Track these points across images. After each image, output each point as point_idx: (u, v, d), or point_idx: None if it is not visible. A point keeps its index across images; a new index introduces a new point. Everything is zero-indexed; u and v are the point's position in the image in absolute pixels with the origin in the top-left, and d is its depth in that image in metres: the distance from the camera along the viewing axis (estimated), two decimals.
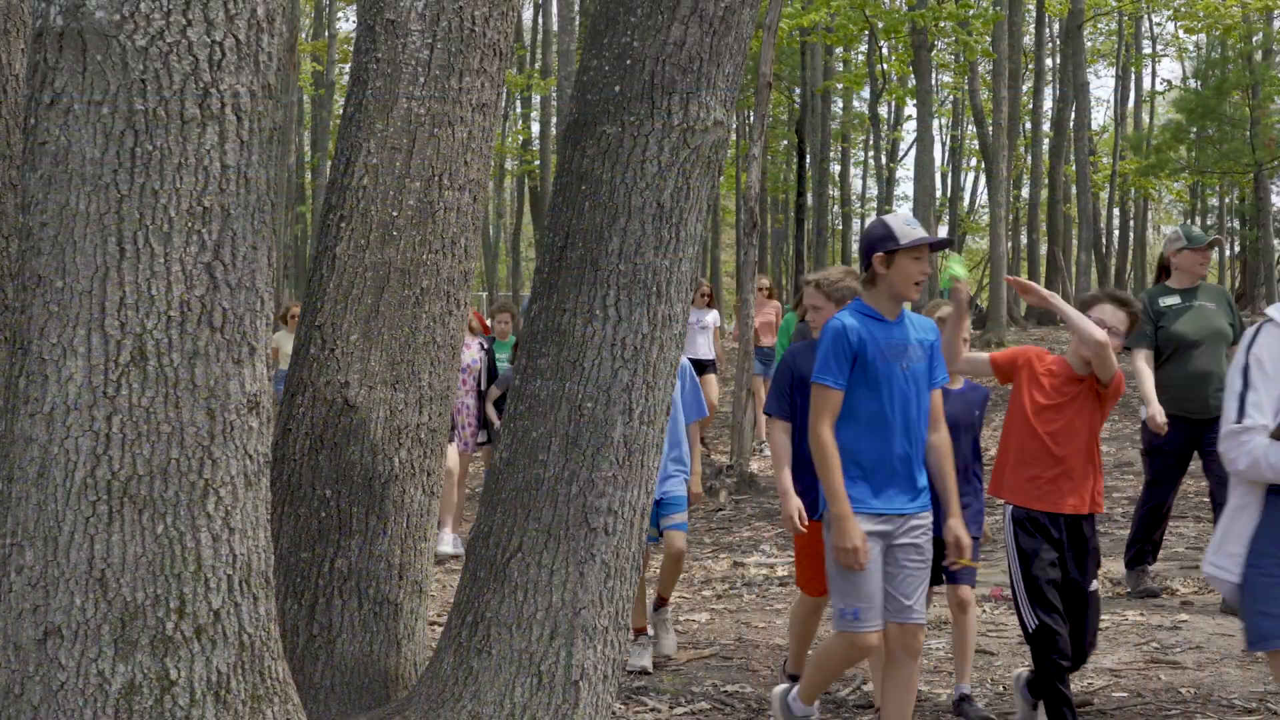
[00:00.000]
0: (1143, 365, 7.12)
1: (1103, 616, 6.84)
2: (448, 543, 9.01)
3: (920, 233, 4.52)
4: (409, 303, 4.34)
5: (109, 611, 3.04)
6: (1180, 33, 35.83)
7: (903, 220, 4.58)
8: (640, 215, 3.61)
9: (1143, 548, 7.46)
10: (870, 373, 4.47)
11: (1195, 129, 30.06)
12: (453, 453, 9.19)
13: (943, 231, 38.39)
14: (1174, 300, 7.24)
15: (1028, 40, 33.00)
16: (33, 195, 3.11)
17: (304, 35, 30.36)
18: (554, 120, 32.80)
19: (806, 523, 5.29)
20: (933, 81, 28.25)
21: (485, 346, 9.66)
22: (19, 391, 3.11)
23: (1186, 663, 6.07)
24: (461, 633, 3.60)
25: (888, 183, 40.81)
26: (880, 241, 4.52)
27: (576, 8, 25.24)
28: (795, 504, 5.30)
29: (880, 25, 23.26)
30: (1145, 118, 42.79)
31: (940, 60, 35.52)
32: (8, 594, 3.09)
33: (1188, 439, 7.21)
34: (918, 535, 4.56)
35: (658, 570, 6.58)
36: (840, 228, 43.42)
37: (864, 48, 32.80)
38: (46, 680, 3.04)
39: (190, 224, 3.09)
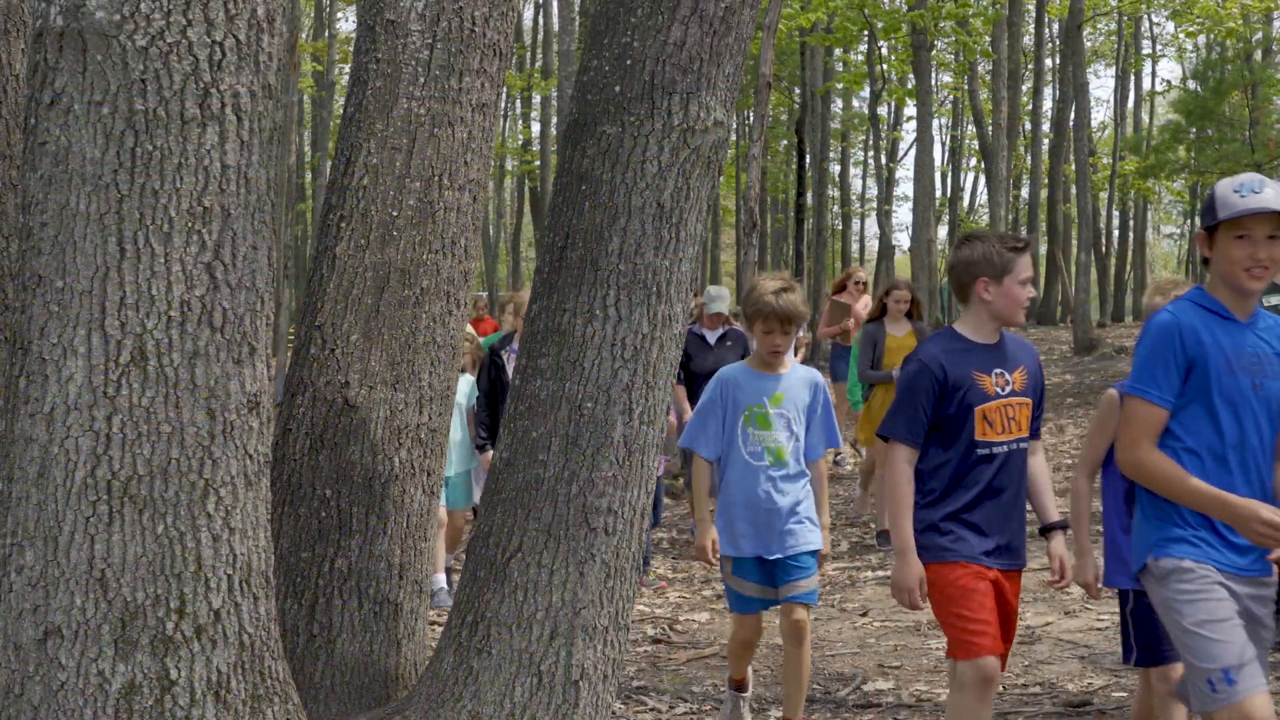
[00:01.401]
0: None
1: (1101, 616, 6.84)
2: None
3: (1253, 202, 3.31)
4: (409, 303, 4.34)
5: (109, 611, 3.05)
6: (1180, 34, 35.86)
7: (1232, 186, 3.38)
8: (640, 215, 3.61)
9: None
10: (1211, 389, 3.40)
11: (1194, 130, 30.08)
12: None
13: (942, 232, 38.28)
14: (1276, 299, 6.10)
15: (1027, 40, 33.05)
16: (33, 195, 3.11)
17: (304, 35, 30.34)
18: (554, 120, 32.83)
19: (926, 589, 4.08)
20: (933, 81, 28.26)
21: None
22: (19, 391, 3.11)
23: None
24: (461, 633, 3.61)
25: (887, 183, 40.85)
26: (1203, 215, 3.45)
27: (576, 8, 25.25)
28: (916, 571, 4.05)
29: (880, 25, 23.27)
30: (1145, 118, 42.88)
31: (940, 60, 35.59)
32: (8, 594, 3.09)
33: None
34: (1261, 604, 3.47)
35: (727, 644, 5.32)
36: (840, 228, 43.47)
37: (864, 48, 32.82)
38: (46, 680, 3.04)
39: (190, 224, 3.09)
